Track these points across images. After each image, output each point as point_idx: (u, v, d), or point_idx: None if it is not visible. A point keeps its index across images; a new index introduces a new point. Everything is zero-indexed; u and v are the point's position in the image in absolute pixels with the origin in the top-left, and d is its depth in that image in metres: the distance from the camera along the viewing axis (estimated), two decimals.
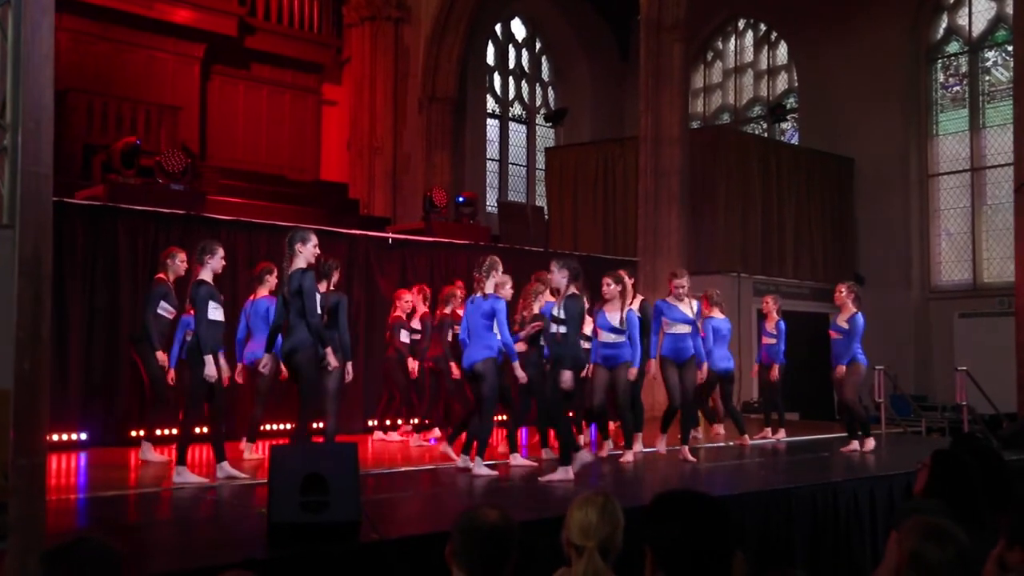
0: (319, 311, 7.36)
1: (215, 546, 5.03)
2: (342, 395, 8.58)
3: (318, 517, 4.83)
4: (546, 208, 19.29)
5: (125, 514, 6.15)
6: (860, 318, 10.07)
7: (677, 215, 14.65)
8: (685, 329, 9.18)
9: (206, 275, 7.81)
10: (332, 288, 8.85)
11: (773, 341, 11.71)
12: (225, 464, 7.47)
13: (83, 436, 9.74)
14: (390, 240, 12.91)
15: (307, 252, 7.36)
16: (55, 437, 9.51)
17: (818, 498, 7.31)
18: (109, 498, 6.76)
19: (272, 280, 9.23)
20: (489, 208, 20.33)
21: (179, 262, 8.65)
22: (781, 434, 11.42)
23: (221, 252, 7.99)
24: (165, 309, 8.52)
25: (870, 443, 10.14)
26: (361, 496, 5.04)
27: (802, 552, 7.07)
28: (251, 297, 9.47)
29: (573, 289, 8.04)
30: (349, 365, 8.74)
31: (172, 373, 8.90)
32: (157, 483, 7.30)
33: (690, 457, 8.97)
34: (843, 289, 10.28)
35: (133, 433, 9.58)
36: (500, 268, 8.43)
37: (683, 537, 2.45)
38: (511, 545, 3.01)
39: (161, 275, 8.65)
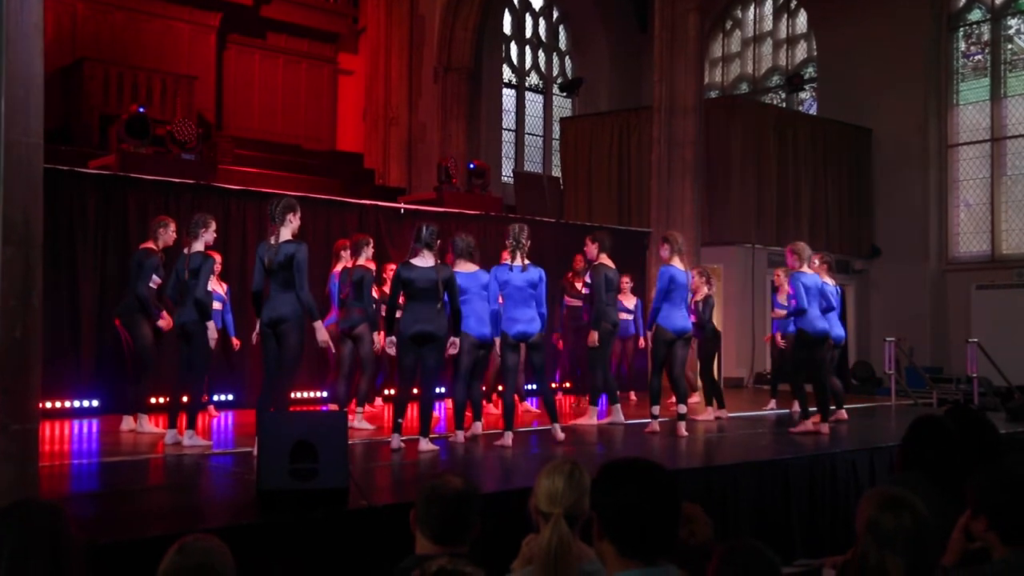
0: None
1: (203, 512, 5.10)
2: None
3: (307, 484, 4.89)
4: (561, 178, 19.28)
5: (122, 479, 6.24)
6: (797, 281, 9.48)
7: (691, 186, 14.57)
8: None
9: (200, 247, 7.89)
10: (362, 263, 9.19)
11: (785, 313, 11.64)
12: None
13: (95, 403, 9.87)
14: (402, 211, 12.93)
15: (296, 222, 7.33)
16: (68, 404, 9.72)
17: (816, 469, 7.33)
18: (112, 463, 6.87)
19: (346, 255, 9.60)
20: (505, 178, 20.30)
21: (171, 232, 8.67)
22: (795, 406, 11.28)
23: (214, 225, 8.09)
24: (155, 281, 8.53)
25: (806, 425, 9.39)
26: (349, 464, 5.09)
27: (799, 522, 7.10)
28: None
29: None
30: (379, 335, 8.98)
31: (236, 341, 9.73)
32: (158, 449, 7.40)
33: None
34: (816, 260, 10.16)
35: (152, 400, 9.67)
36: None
37: (629, 505, 2.47)
38: (473, 511, 3.06)
39: (150, 244, 8.59)
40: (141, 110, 11.09)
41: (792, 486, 7.13)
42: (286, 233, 7.23)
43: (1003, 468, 3.38)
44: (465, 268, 8.16)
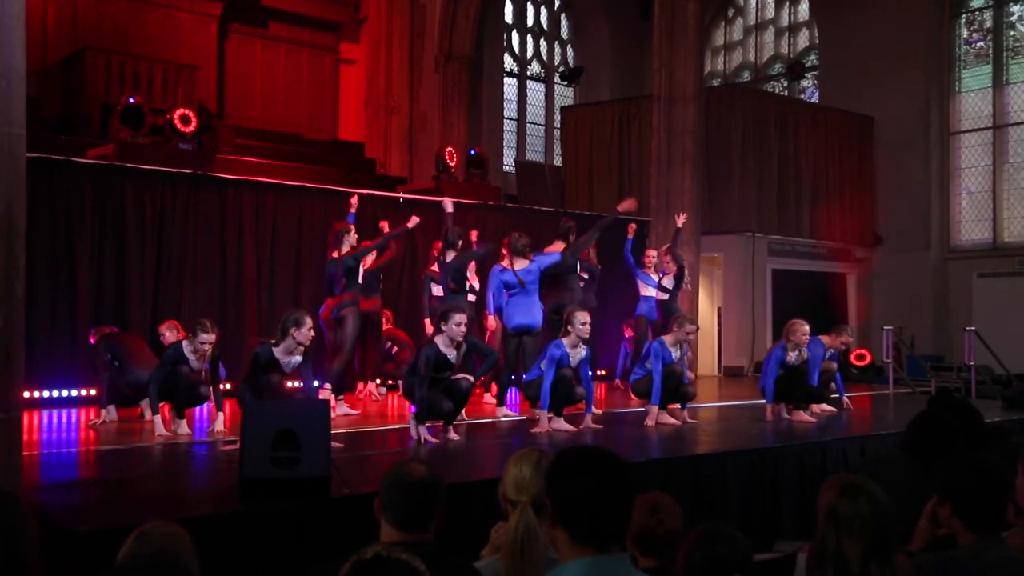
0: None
1: (186, 500, 5.13)
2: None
3: (289, 472, 4.91)
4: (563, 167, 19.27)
5: (109, 467, 6.30)
6: None
7: (691, 175, 14.51)
8: None
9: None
10: (346, 251, 9.50)
11: None
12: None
13: (92, 392, 9.91)
14: (401, 199, 12.94)
15: (301, 336, 7.21)
16: (64, 393, 9.77)
17: (805, 457, 7.34)
18: (101, 452, 6.93)
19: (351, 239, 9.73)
20: (506, 167, 20.30)
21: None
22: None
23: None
24: None
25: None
26: (331, 452, 5.12)
27: (788, 509, 7.11)
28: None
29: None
30: None
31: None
32: (145, 439, 7.43)
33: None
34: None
35: None
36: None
37: (581, 493, 2.49)
38: (437, 499, 3.07)
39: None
40: (131, 100, 11.12)
41: (782, 474, 7.14)
42: (289, 343, 7.24)
43: (968, 455, 3.40)
44: (520, 265, 9.06)
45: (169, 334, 8.71)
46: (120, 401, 8.56)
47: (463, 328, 7.47)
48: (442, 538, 3.49)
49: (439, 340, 7.46)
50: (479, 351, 8.18)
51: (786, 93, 20.48)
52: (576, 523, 2.48)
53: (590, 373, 8.48)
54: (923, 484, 4.14)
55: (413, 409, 7.46)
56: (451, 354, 7.52)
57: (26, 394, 8.85)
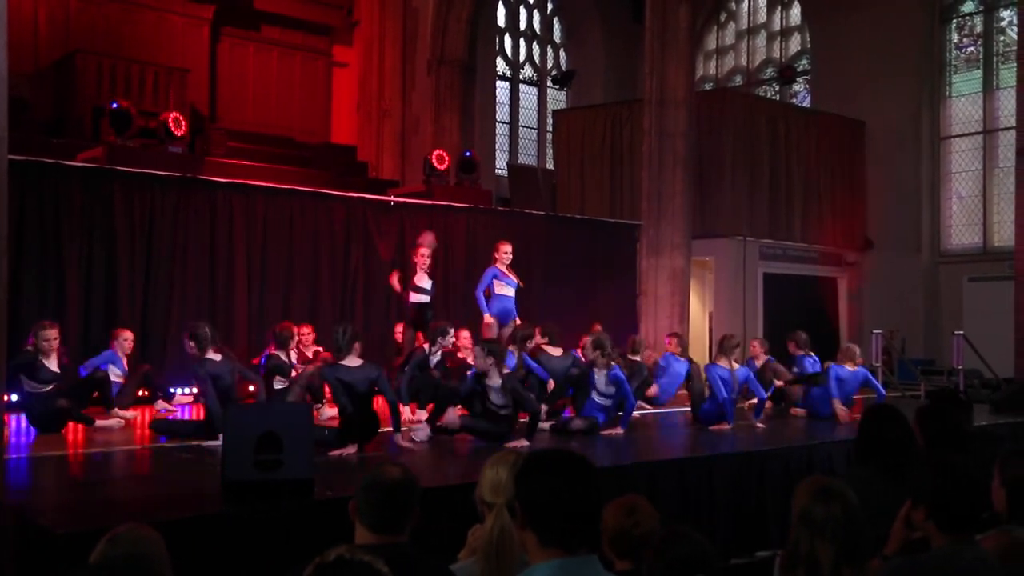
0: None
1: (168, 502, 5.13)
2: None
3: (272, 475, 4.92)
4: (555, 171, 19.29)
5: (93, 470, 6.30)
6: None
7: (682, 178, 14.53)
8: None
9: None
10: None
11: None
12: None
13: None
14: (392, 202, 12.94)
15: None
16: None
17: (791, 461, 7.36)
18: (86, 455, 6.93)
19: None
20: (499, 171, 20.31)
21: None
22: None
23: None
24: None
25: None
26: (314, 455, 5.13)
27: (774, 513, 7.12)
28: None
29: None
30: None
31: None
32: (132, 442, 7.43)
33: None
34: None
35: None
36: None
37: (548, 495, 2.50)
38: (411, 501, 3.09)
39: None
40: (115, 105, 11.14)
41: (767, 478, 7.16)
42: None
43: (942, 459, 3.42)
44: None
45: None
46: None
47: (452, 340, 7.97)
48: (426, 541, 3.51)
49: (429, 349, 7.73)
50: (522, 404, 7.50)
51: (778, 97, 20.51)
52: (543, 525, 2.49)
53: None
54: (895, 488, 4.17)
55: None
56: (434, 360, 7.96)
57: (14, 396, 8.90)
